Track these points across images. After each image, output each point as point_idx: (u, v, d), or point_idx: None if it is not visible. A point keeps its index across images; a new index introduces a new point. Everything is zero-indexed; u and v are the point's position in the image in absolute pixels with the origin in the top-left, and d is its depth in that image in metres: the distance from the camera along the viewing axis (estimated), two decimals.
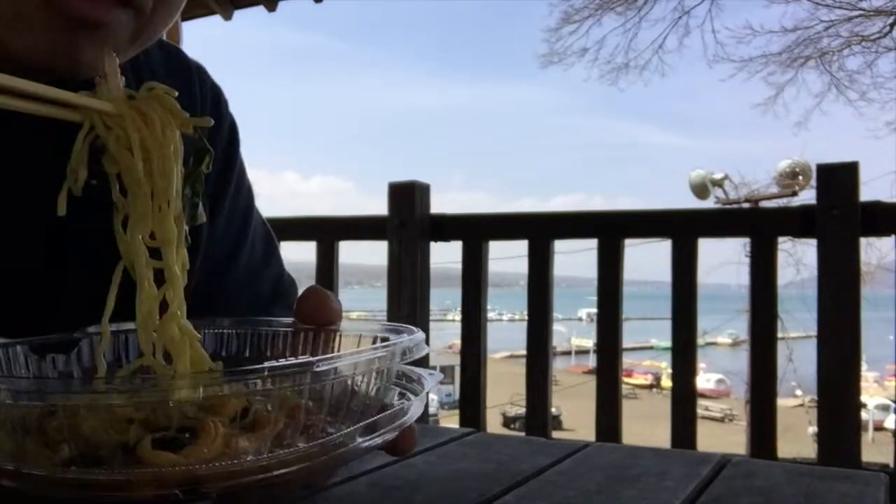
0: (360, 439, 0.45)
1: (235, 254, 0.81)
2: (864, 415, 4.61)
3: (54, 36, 0.55)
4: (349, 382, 0.48)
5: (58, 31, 0.55)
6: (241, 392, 0.43)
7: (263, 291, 0.83)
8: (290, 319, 0.61)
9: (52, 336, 0.55)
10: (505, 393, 15.09)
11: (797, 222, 2.71)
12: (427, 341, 0.53)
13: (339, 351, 0.59)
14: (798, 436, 8.23)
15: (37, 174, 0.63)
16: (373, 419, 0.47)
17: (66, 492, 0.40)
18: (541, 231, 2.90)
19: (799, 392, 15.04)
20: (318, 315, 0.58)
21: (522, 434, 3.56)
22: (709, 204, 11.20)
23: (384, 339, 0.57)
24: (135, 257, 0.49)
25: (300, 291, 0.63)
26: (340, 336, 0.59)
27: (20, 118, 0.50)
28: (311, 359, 0.44)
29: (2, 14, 0.55)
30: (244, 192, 0.84)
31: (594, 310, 2.87)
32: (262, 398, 0.47)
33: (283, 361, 0.44)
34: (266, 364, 0.42)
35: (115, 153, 0.49)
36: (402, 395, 0.55)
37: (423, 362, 0.59)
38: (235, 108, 0.86)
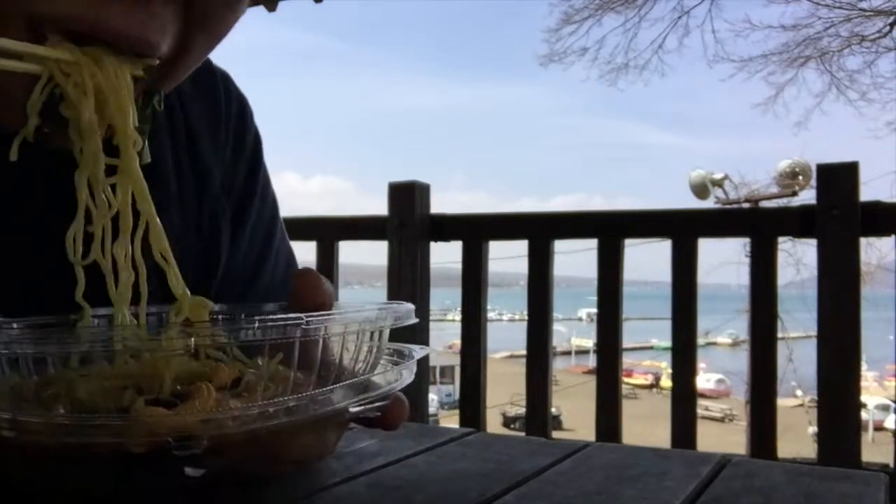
0: (347, 401, 0.46)
1: (258, 272, 0.79)
2: (864, 415, 4.61)
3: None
4: (339, 355, 0.49)
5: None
6: (232, 343, 0.44)
7: None
8: (281, 303, 0.61)
9: (48, 317, 0.55)
10: (505, 393, 15.09)
11: (797, 222, 2.71)
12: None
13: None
14: (798, 436, 8.24)
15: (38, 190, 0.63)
16: (359, 379, 0.48)
17: (63, 439, 0.41)
18: (541, 231, 2.90)
19: (799, 392, 15.04)
20: (309, 297, 0.57)
21: (522, 434, 3.56)
22: (709, 204, 11.21)
23: None
24: (79, 196, 0.50)
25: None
26: None
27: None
28: (301, 315, 0.45)
29: None
30: (269, 204, 0.83)
31: (594, 310, 2.87)
32: (253, 370, 0.48)
33: (272, 317, 0.44)
34: (257, 317, 0.42)
35: (75, 99, 0.50)
36: None
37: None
38: None
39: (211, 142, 0.75)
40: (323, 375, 0.47)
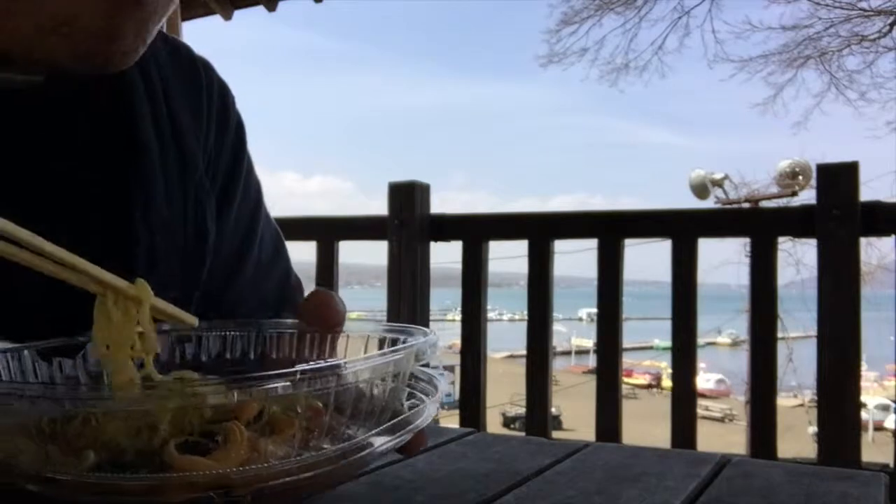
0: (379, 442, 0.45)
1: (243, 253, 0.81)
2: (864, 415, 4.61)
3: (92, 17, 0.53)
4: (366, 385, 0.48)
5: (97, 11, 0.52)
6: (276, 397, 0.42)
7: (270, 292, 0.83)
8: (293, 321, 0.61)
9: (57, 340, 0.54)
10: (505, 393, 15.08)
11: (797, 222, 2.71)
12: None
13: (346, 353, 0.59)
14: (798, 436, 8.24)
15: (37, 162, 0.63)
16: (394, 422, 0.47)
17: (94, 497, 0.39)
18: (541, 231, 2.90)
19: (794, 394, 15.01)
20: (322, 317, 0.57)
21: (522, 434, 3.56)
22: (709, 204, 11.21)
23: (394, 341, 0.56)
24: None
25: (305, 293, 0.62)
26: (348, 338, 0.59)
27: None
28: (337, 361, 0.44)
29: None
30: (252, 190, 0.84)
31: (594, 310, 2.87)
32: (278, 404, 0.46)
33: (312, 364, 0.43)
34: (298, 367, 0.41)
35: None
36: (411, 395, 0.55)
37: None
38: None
39: (193, 126, 0.76)
40: (354, 413, 0.46)
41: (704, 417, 17.25)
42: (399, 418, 0.47)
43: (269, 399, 0.44)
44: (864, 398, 4.23)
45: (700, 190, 11.28)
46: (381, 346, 0.57)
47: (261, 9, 4.11)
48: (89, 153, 0.67)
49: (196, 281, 0.73)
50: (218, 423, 0.43)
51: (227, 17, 4.10)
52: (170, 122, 0.72)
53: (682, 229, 2.76)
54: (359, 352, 0.59)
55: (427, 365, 0.55)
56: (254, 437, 0.43)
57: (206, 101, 0.78)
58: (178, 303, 0.52)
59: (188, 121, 0.75)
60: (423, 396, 0.54)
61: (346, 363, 0.43)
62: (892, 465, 2.54)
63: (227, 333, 0.61)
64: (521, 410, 3.46)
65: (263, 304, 0.81)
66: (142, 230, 0.67)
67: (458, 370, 2.94)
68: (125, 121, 0.68)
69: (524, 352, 2.89)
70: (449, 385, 0.57)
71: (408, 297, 2.98)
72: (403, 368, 0.50)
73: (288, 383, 0.41)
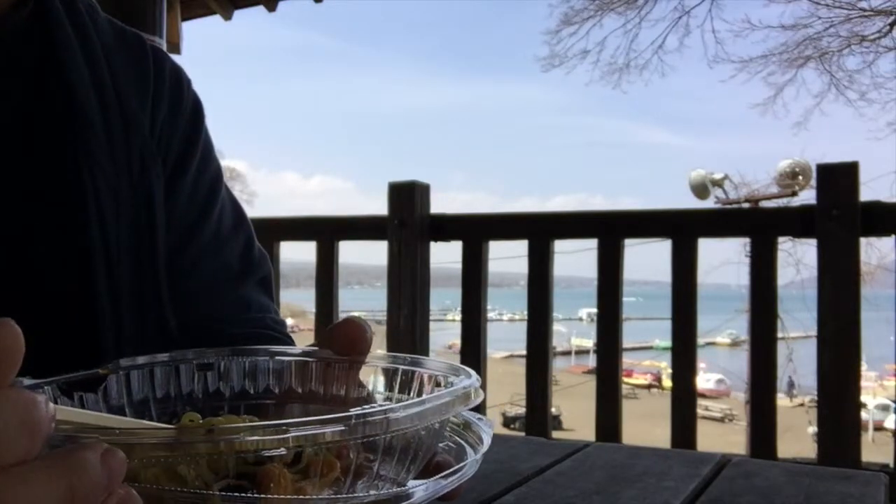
0: (422, 491, 0.44)
1: (199, 222, 0.82)
2: (864, 415, 4.61)
3: None
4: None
5: None
6: (336, 440, 0.39)
7: (231, 260, 0.84)
8: (312, 349, 0.58)
9: (78, 374, 0.52)
10: (505, 393, 15.10)
11: (797, 222, 2.71)
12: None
13: (373, 385, 0.57)
14: (798, 436, 8.24)
15: None
16: (441, 479, 0.45)
17: None
18: (541, 231, 2.90)
19: (784, 395, 15.01)
20: (352, 346, 0.56)
21: (522, 434, 3.56)
22: (709, 204, 11.21)
23: (435, 380, 0.53)
24: None
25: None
26: (398, 374, 0.56)
27: None
28: (389, 405, 0.41)
29: None
30: (210, 171, 0.85)
31: (594, 310, 2.87)
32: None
33: (365, 409, 0.40)
34: (354, 412, 0.39)
35: None
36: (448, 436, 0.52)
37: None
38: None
39: (138, 93, 0.78)
40: (387, 450, 0.43)
41: (704, 417, 17.25)
42: (449, 471, 0.46)
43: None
44: (864, 398, 4.23)
45: (700, 190, 11.28)
46: (420, 383, 0.54)
47: (261, 9, 4.11)
48: (25, 111, 0.69)
49: (151, 248, 0.74)
50: (255, 465, 0.40)
51: (227, 17, 4.10)
52: (112, 86, 0.75)
53: (682, 229, 2.77)
54: (385, 384, 0.57)
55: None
56: (295, 479, 0.41)
57: (156, 78, 0.81)
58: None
59: (131, 87, 0.78)
60: (468, 448, 0.51)
61: (399, 408, 0.40)
62: (892, 465, 2.54)
63: (248, 360, 0.58)
64: (521, 410, 3.46)
65: (227, 268, 0.82)
66: (88, 187, 0.69)
67: None
68: (61, 81, 0.71)
69: (524, 352, 2.89)
70: (489, 429, 0.53)
71: (408, 297, 2.98)
72: (454, 414, 0.47)
73: (343, 428, 0.38)
